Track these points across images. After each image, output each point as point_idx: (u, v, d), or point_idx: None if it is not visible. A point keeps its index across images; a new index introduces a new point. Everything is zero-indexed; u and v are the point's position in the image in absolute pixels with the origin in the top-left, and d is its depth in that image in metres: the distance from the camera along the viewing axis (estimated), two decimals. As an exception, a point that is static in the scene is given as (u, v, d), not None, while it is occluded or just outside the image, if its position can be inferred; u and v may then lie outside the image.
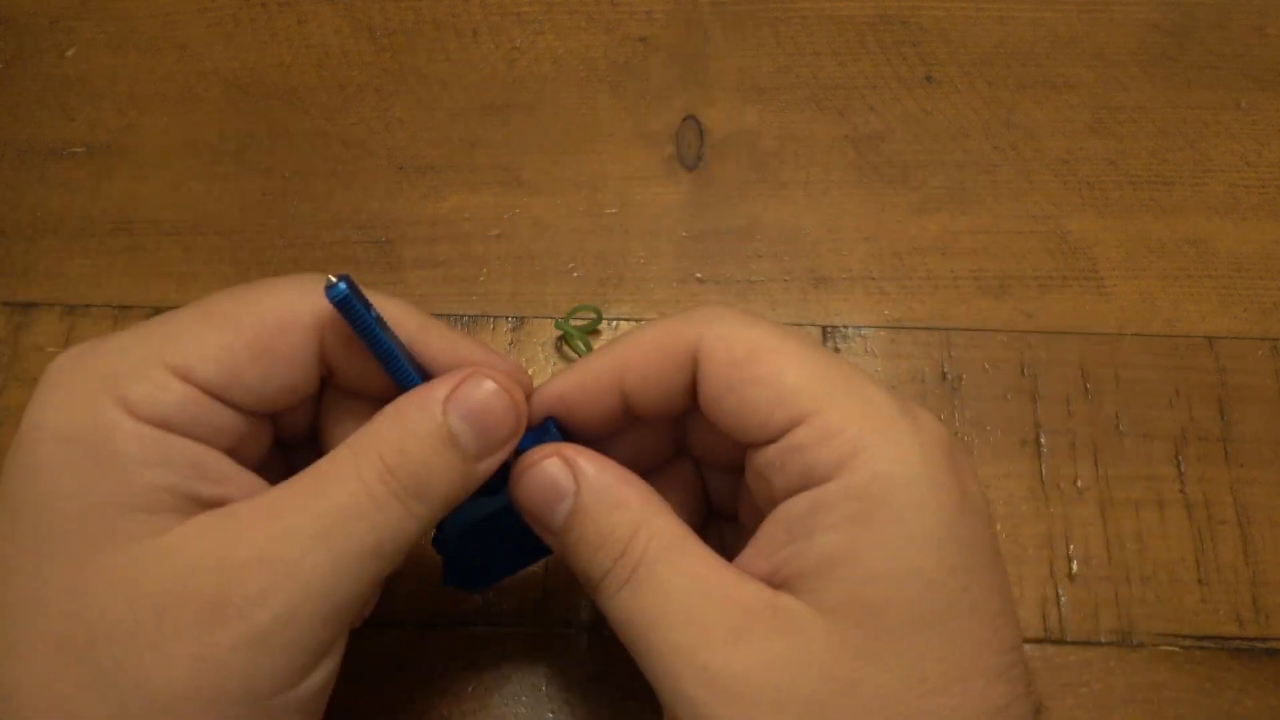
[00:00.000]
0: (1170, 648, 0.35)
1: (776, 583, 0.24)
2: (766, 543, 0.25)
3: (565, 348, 0.40)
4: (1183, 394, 0.39)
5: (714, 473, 0.31)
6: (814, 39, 0.45)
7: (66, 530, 0.23)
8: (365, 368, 0.27)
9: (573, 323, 0.39)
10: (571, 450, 0.26)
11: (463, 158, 0.43)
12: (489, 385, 0.26)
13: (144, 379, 0.24)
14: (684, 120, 0.44)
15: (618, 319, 0.40)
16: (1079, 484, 0.38)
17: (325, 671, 0.25)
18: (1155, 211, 0.42)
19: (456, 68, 0.45)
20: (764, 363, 0.25)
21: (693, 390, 0.27)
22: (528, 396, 0.28)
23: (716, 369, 0.26)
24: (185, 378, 0.24)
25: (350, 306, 0.25)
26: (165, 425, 0.24)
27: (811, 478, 0.24)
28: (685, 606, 0.24)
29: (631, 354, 0.27)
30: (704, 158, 0.43)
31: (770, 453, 0.25)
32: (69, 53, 0.45)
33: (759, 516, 0.26)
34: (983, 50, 0.45)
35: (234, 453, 0.26)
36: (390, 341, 0.26)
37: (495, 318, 0.40)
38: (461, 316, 0.40)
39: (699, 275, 0.41)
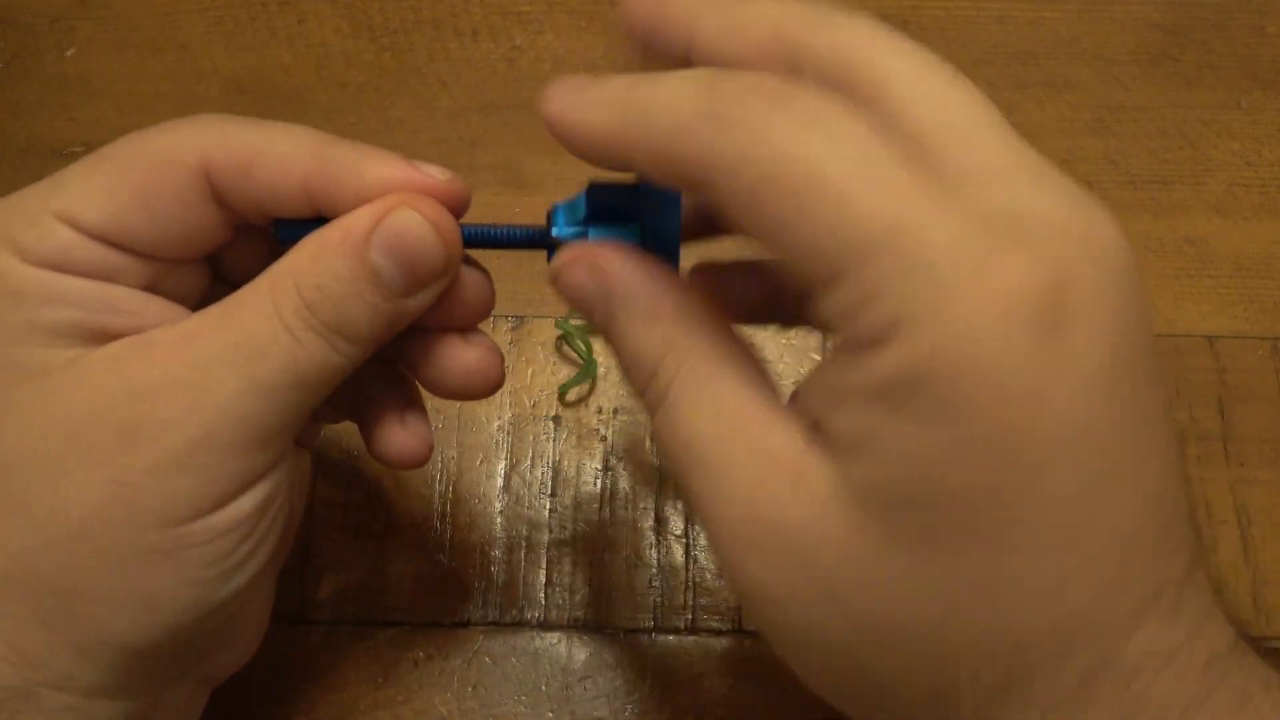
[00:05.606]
0: (1170, 647, 0.35)
1: (818, 431, 0.22)
2: (820, 379, 0.22)
3: (565, 347, 0.40)
4: (1183, 393, 0.39)
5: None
6: (814, 39, 0.45)
7: None
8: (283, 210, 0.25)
9: (573, 322, 0.39)
10: (603, 253, 0.24)
11: (463, 157, 0.43)
12: (415, 217, 0.24)
13: (32, 226, 0.23)
14: (684, 120, 0.44)
15: (618, 319, 0.40)
16: (1079, 484, 0.38)
17: (251, 501, 0.24)
18: (1155, 211, 0.42)
19: (456, 67, 0.45)
20: (816, 188, 0.20)
21: None
22: (465, 209, 0.25)
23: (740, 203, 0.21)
24: (71, 223, 0.24)
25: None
26: (57, 267, 0.24)
27: (851, 345, 0.20)
28: (710, 447, 0.23)
29: None
30: (704, 157, 0.43)
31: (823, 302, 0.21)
32: (69, 53, 0.45)
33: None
34: (983, 50, 0.45)
35: (157, 289, 0.25)
36: None
37: (495, 316, 0.40)
38: (461, 316, 0.40)
39: (699, 275, 0.41)
